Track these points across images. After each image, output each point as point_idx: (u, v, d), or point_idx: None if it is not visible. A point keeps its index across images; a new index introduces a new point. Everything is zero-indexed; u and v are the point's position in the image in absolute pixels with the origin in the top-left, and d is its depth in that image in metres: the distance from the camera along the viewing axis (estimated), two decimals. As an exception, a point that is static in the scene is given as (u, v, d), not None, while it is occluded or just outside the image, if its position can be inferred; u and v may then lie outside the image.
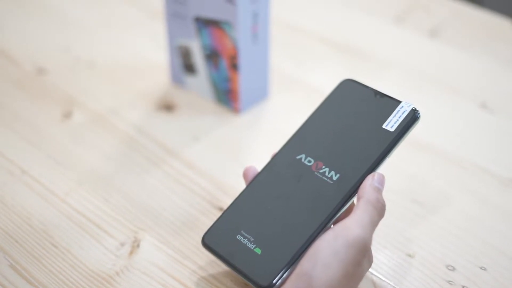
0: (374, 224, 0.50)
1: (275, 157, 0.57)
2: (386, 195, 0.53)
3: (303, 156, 0.55)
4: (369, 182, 0.52)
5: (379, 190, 0.52)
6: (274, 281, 0.50)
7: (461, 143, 0.71)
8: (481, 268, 0.57)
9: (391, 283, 0.56)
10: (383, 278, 0.56)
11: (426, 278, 0.56)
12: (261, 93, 0.76)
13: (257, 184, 0.56)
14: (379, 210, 0.51)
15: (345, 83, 0.58)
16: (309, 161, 0.55)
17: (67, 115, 0.75)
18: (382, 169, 0.53)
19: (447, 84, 0.80)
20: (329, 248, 0.48)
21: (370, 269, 0.55)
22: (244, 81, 0.73)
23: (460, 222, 0.62)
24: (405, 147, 0.55)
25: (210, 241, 0.54)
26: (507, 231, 0.61)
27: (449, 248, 0.59)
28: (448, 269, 0.57)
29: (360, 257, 0.49)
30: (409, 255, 0.58)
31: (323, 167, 0.54)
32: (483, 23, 0.92)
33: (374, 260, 0.56)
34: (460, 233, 0.60)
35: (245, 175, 0.57)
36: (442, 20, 0.92)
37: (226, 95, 0.74)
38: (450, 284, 0.56)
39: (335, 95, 0.58)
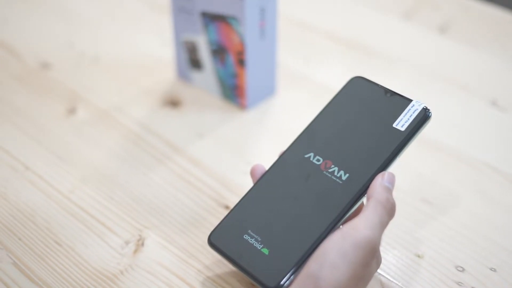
0: (383, 224, 0.49)
1: (283, 156, 0.56)
2: (394, 194, 0.52)
3: (311, 154, 0.54)
4: (379, 181, 0.51)
5: (389, 190, 0.51)
6: (282, 282, 0.49)
7: (471, 141, 0.70)
8: (490, 269, 0.56)
9: (399, 283, 0.55)
10: (391, 279, 0.56)
11: (435, 279, 0.56)
12: (268, 90, 0.75)
13: (265, 183, 0.55)
14: (389, 210, 0.50)
15: (354, 80, 0.57)
16: (318, 160, 0.54)
17: (71, 111, 0.74)
18: (391, 168, 0.52)
19: (456, 81, 0.79)
20: (337, 249, 0.47)
21: (378, 270, 0.54)
22: (251, 77, 0.72)
23: (470, 223, 0.61)
24: (413, 145, 0.54)
25: (216, 240, 0.54)
26: (518, 232, 0.60)
27: (459, 248, 0.58)
28: (458, 270, 0.56)
29: (369, 258, 0.48)
30: (418, 256, 0.58)
31: (332, 166, 0.53)
32: (493, 19, 0.90)
33: (382, 260, 0.55)
34: (470, 233, 0.60)
35: (252, 173, 0.56)
36: (451, 16, 0.91)
37: (233, 91, 0.74)
38: (460, 285, 0.55)
39: (345, 92, 0.57)
